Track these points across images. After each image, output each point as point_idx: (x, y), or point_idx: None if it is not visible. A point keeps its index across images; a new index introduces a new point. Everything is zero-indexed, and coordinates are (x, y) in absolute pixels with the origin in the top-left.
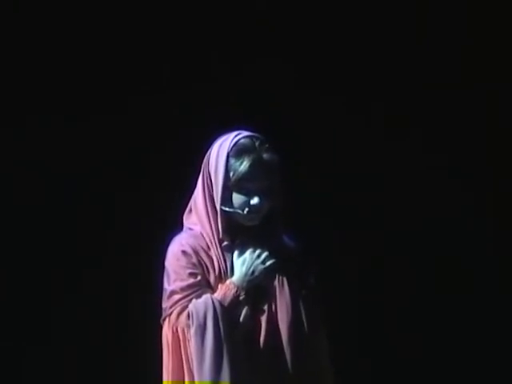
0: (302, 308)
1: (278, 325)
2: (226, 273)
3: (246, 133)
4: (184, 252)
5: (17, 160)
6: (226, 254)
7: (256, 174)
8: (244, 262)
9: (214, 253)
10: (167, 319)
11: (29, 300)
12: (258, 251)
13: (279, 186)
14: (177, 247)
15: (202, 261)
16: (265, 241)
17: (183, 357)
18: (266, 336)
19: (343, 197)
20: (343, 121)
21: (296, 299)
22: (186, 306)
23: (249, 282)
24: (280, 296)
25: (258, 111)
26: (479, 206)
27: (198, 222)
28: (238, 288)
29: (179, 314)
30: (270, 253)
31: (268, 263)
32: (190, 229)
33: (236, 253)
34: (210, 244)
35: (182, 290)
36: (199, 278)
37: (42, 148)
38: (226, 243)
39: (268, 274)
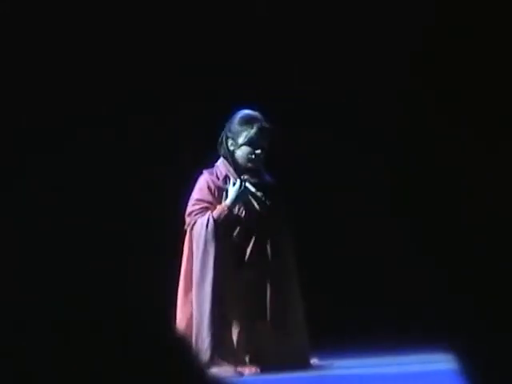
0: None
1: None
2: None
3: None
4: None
5: None
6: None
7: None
8: (231, 191)
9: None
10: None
11: None
12: (238, 182)
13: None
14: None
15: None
16: (259, 177)
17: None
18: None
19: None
20: None
21: (279, 216)
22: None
23: (233, 201)
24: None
25: None
26: None
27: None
28: (226, 206)
29: (193, 225)
30: (259, 184)
31: (241, 188)
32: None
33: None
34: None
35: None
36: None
37: None
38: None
39: (243, 194)
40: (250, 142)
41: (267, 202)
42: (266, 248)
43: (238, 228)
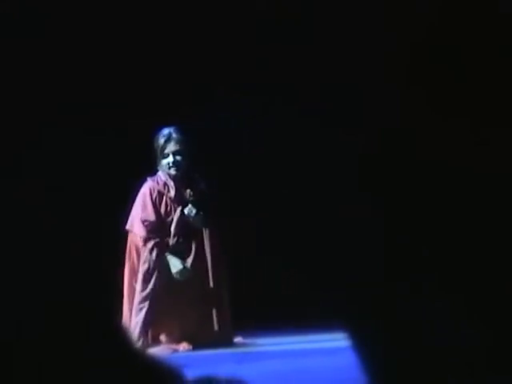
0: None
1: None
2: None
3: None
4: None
5: None
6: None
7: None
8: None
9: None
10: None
11: None
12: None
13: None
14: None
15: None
16: (192, 186)
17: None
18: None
19: None
20: None
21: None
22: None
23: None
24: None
25: None
26: None
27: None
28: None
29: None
30: (194, 194)
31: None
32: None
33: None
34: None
35: (146, 228)
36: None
37: None
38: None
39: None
40: (162, 154)
41: (203, 219)
42: (200, 254)
43: (175, 240)
